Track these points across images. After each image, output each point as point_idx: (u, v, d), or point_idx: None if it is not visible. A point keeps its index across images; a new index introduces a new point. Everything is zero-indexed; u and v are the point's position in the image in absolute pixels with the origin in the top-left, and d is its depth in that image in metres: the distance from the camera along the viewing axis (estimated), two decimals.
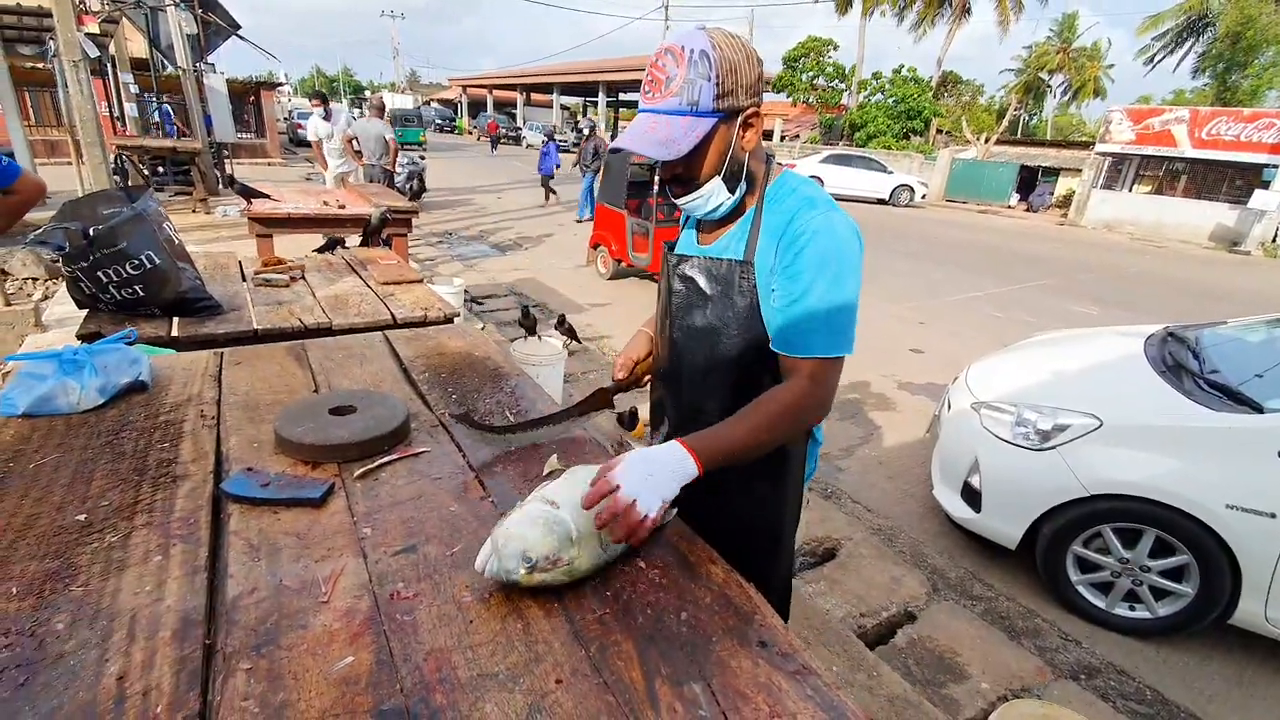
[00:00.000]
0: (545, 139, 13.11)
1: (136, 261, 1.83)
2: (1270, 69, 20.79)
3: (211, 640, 0.72)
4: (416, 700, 0.66)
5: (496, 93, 44.09)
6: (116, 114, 10.88)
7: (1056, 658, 2.34)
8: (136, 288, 1.87)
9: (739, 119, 1.00)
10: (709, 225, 1.16)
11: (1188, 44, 23.60)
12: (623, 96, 36.14)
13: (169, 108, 11.14)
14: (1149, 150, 15.89)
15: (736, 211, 1.11)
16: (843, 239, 1.00)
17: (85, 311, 1.95)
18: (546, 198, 12.87)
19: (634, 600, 0.83)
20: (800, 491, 1.24)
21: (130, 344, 1.35)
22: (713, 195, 1.05)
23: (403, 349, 1.65)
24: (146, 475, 1.02)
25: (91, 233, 1.77)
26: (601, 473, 0.89)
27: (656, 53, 1.00)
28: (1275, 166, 13.20)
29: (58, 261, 1.88)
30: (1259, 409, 2.23)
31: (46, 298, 4.64)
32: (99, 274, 1.82)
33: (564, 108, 39.31)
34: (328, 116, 7.35)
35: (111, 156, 7.34)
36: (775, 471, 1.18)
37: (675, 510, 1.02)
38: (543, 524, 0.82)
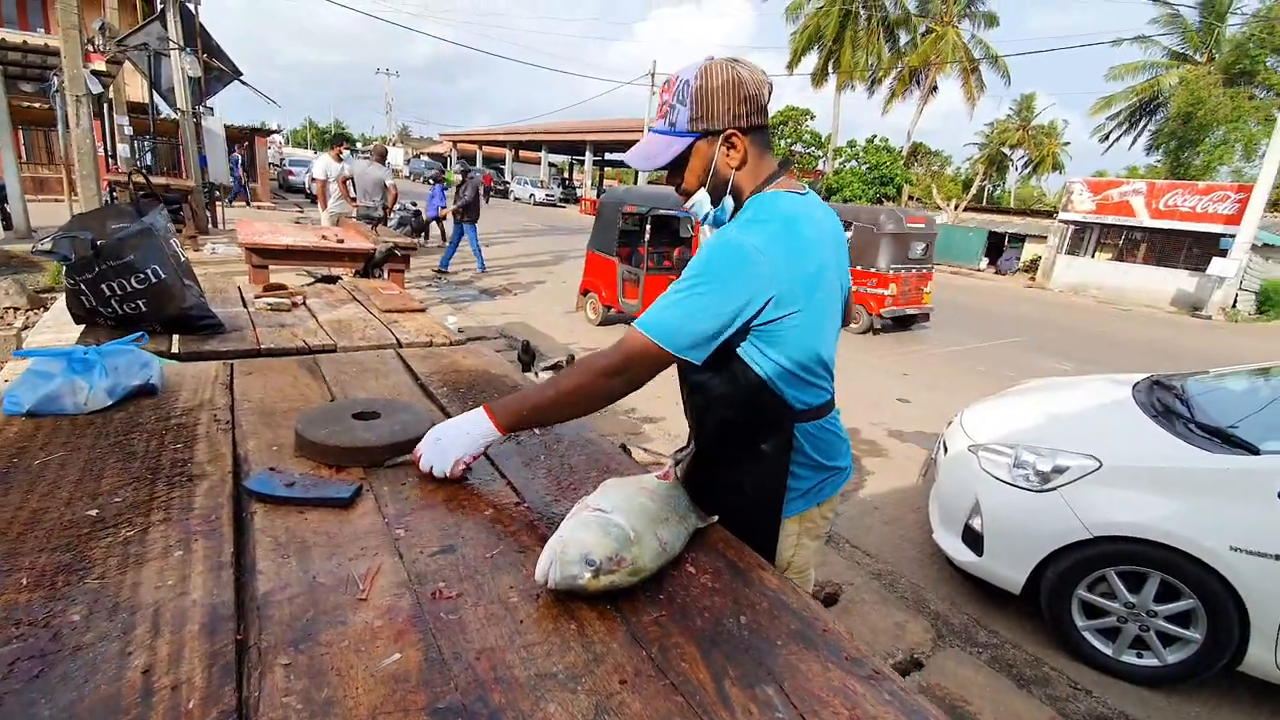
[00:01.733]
0: (431, 181, 12.81)
1: (142, 275, 1.79)
2: (1221, 146, 22.06)
3: (243, 635, 0.67)
4: (474, 699, 0.61)
5: (486, 148, 45.14)
6: (110, 153, 10.93)
7: (1068, 707, 2.27)
8: (139, 302, 1.82)
9: (720, 139, 1.06)
10: None
11: (1141, 123, 25.18)
12: (609, 156, 37.26)
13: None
14: (1109, 220, 16.69)
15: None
16: (717, 252, 1.00)
17: (80, 330, 1.88)
18: (425, 237, 12.54)
19: (689, 604, 0.79)
20: (775, 502, 1.12)
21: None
22: (701, 205, 1.13)
23: (417, 365, 1.61)
24: (160, 474, 0.96)
25: (99, 244, 1.74)
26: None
27: (666, 81, 1.11)
28: (1231, 236, 13.91)
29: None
30: (1254, 451, 2.26)
31: (27, 327, 4.51)
32: (102, 287, 1.77)
33: (551, 165, 40.38)
34: (340, 159, 7.55)
35: (105, 187, 7.32)
36: (751, 467, 1.12)
37: (716, 517, 1.00)
38: (598, 527, 0.79)
